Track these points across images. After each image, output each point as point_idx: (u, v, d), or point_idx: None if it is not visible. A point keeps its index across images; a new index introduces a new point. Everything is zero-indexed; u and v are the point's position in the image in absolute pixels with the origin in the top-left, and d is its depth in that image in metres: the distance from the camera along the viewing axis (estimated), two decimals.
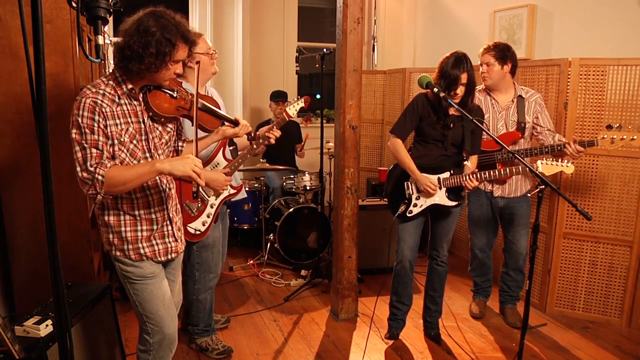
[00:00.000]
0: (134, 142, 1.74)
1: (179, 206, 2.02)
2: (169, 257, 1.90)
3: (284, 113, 2.65)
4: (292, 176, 4.41)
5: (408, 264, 2.80)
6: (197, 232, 2.52)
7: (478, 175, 2.61)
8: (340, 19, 2.98)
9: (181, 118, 1.96)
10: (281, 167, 4.36)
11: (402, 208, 2.71)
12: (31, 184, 2.32)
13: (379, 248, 3.96)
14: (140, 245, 1.81)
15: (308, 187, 4.30)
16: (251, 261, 4.24)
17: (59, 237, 1.14)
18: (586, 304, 3.25)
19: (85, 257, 2.50)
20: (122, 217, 1.78)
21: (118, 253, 1.80)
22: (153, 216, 1.83)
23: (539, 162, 2.60)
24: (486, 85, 3.00)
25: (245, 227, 4.51)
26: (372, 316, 3.23)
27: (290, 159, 4.89)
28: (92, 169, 1.60)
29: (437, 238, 2.85)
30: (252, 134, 2.19)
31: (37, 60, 1.02)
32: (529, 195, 3.08)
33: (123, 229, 1.78)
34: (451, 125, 2.62)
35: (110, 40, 3.36)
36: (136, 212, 1.79)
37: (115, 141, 1.67)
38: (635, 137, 2.63)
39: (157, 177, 1.80)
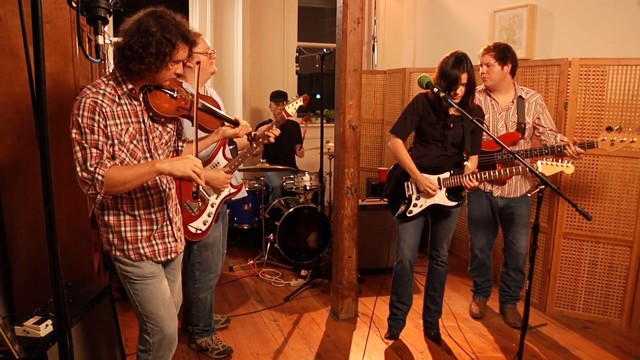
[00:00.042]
0: (134, 142, 1.74)
1: (178, 206, 2.02)
2: (169, 257, 1.90)
3: (283, 112, 2.64)
4: (292, 176, 4.41)
5: (408, 264, 2.80)
6: (199, 232, 2.52)
7: (478, 175, 2.61)
8: (340, 19, 2.98)
9: (181, 118, 1.96)
10: (281, 167, 4.36)
11: (402, 208, 2.71)
12: (31, 184, 2.32)
13: (379, 248, 3.96)
14: (140, 245, 1.81)
15: (308, 187, 4.30)
16: (251, 261, 4.24)
17: (59, 237, 1.14)
18: (586, 304, 3.25)
19: (85, 257, 2.50)
20: (122, 217, 1.78)
21: (118, 253, 1.80)
22: (153, 216, 1.83)
23: (539, 162, 2.60)
24: (486, 85, 2.99)
25: (245, 227, 4.51)
26: (371, 316, 3.23)
27: (290, 158, 4.90)
28: (92, 169, 1.60)
29: (437, 238, 2.85)
30: (252, 134, 2.19)
31: (37, 60, 1.02)
32: (529, 195, 3.08)
33: (123, 229, 1.78)
34: (451, 125, 2.62)
35: (110, 40, 3.36)
36: (136, 212, 1.80)
37: (115, 141, 1.67)
38: (635, 139, 2.63)
39: (157, 177, 1.80)
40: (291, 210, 4.08)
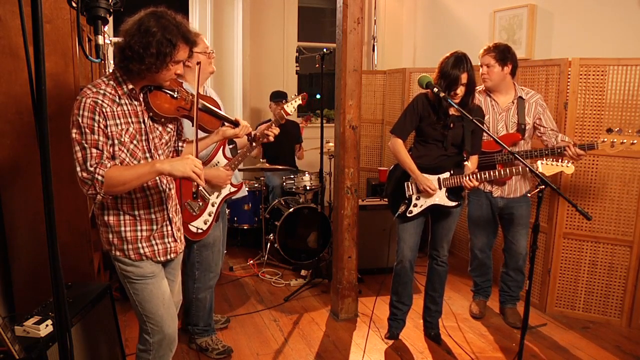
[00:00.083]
0: (134, 142, 1.74)
1: (178, 206, 2.02)
2: (168, 257, 1.90)
3: (281, 110, 2.65)
4: (292, 176, 4.41)
5: (408, 264, 2.80)
6: (200, 231, 2.53)
7: (478, 175, 2.61)
8: (340, 19, 2.98)
9: (181, 118, 1.96)
10: (281, 167, 4.37)
11: (402, 208, 2.71)
12: (31, 184, 2.32)
13: (379, 248, 3.96)
14: (139, 245, 1.81)
15: (308, 187, 4.30)
16: (251, 261, 4.24)
17: (59, 237, 1.14)
18: (586, 304, 3.25)
19: (85, 257, 2.50)
20: (121, 217, 1.78)
21: (118, 253, 1.80)
22: (153, 216, 1.83)
23: (539, 162, 2.60)
24: (486, 86, 2.99)
25: (245, 227, 4.51)
26: (371, 316, 3.23)
27: (289, 159, 4.90)
28: (92, 169, 1.60)
29: (437, 238, 2.85)
30: (252, 135, 2.20)
31: (37, 60, 1.02)
32: (529, 195, 3.08)
33: (123, 228, 1.78)
34: (451, 125, 2.62)
35: (110, 40, 3.36)
36: (136, 212, 1.80)
37: (116, 141, 1.67)
38: (635, 142, 2.63)
39: (157, 178, 1.80)
40: (291, 210, 4.08)
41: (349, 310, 3.25)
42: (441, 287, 2.92)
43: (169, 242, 1.89)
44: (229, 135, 2.09)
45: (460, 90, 2.53)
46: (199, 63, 1.95)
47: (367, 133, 5.12)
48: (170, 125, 1.90)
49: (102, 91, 1.66)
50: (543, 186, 1.98)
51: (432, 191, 2.63)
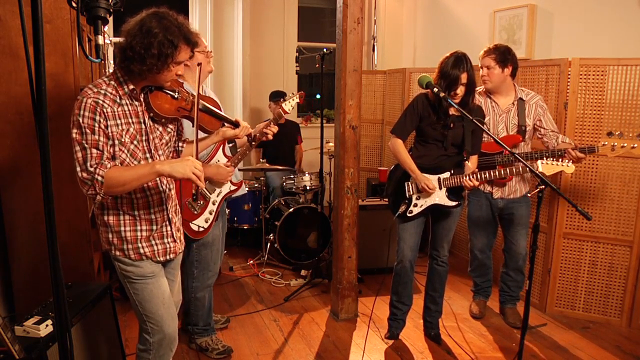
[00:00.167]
0: (135, 142, 1.74)
1: (178, 207, 2.02)
2: (168, 257, 1.90)
3: (279, 109, 2.66)
4: (292, 176, 4.41)
5: (408, 264, 2.80)
6: (201, 229, 2.54)
7: (478, 175, 2.61)
8: (340, 19, 2.98)
9: (181, 118, 1.96)
10: (281, 167, 4.37)
11: (403, 208, 2.71)
12: (31, 184, 2.32)
13: (379, 248, 3.96)
14: (139, 245, 1.81)
15: (308, 187, 4.30)
16: (251, 261, 4.24)
17: (59, 237, 1.14)
18: (586, 304, 3.25)
19: (85, 257, 2.50)
20: (121, 217, 1.78)
21: (118, 253, 1.80)
22: (152, 217, 1.83)
23: (539, 161, 2.59)
24: (487, 88, 2.99)
25: (245, 227, 4.50)
26: (370, 316, 3.23)
27: (289, 159, 4.90)
28: (92, 169, 1.60)
29: (437, 238, 2.85)
30: (252, 136, 2.20)
31: (37, 60, 1.02)
32: (529, 195, 3.08)
33: (122, 228, 1.78)
34: (451, 125, 2.62)
35: (110, 40, 3.36)
36: (136, 212, 1.80)
37: (116, 141, 1.67)
38: (635, 146, 2.63)
39: (157, 178, 1.80)
40: (291, 210, 4.08)
41: (349, 310, 3.25)
42: (441, 287, 2.92)
43: (168, 243, 1.89)
44: (229, 135, 2.09)
45: (460, 90, 2.53)
46: (199, 64, 1.95)
47: (367, 133, 5.12)
48: (171, 126, 1.90)
49: (103, 91, 1.65)
50: (543, 186, 1.98)
51: (431, 190, 2.63)
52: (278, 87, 5.08)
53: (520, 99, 2.95)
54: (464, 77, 2.50)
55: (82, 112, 1.60)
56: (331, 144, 4.09)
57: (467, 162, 2.71)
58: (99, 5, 1.34)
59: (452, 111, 2.62)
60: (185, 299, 2.69)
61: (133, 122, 1.72)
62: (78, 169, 1.62)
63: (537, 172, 2.08)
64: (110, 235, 1.79)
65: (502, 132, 2.98)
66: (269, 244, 4.26)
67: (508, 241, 3.14)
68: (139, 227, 1.80)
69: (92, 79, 3.05)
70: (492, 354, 2.84)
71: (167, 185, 1.89)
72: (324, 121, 3.98)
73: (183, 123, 2.03)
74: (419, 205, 2.71)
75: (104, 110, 1.63)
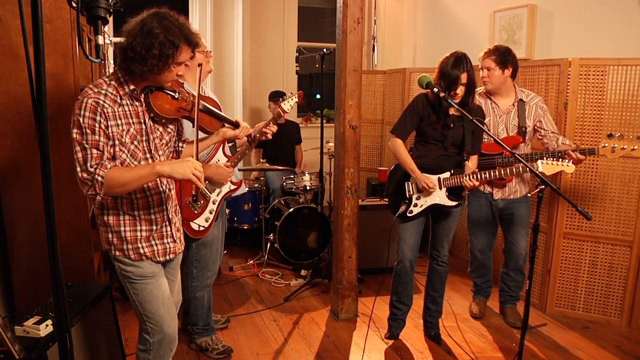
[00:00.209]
0: (135, 142, 1.73)
1: (178, 207, 2.02)
2: (167, 257, 1.90)
3: (278, 108, 2.66)
4: (292, 176, 4.41)
5: (408, 264, 2.80)
6: (201, 228, 2.54)
7: (478, 175, 2.61)
8: (340, 19, 2.98)
9: (181, 119, 1.96)
10: (281, 167, 4.37)
11: (403, 208, 2.71)
12: (31, 184, 2.32)
13: (379, 248, 3.96)
14: (139, 245, 1.81)
15: (308, 187, 4.30)
16: (251, 261, 4.24)
17: (59, 237, 1.14)
18: (586, 304, 3.25)
19: (85, 257, 2.50)
20: (121, 217, 1.78)
21: (117, 253, 1.80)
22: (152, 217, 1.83)
23: (539, 161, 2.59)
24: (487, 89, 2.98)
25: (245, 227, 4.50)
26: (370, 316, 3.23)
27: (289, 159, 4.90)
28: (92, 169, 1.60)
29: (437, 238, 2.85)
30: (252, 136, 2.20)
31: (37, 60, 1.02)
32: (529, 195, 3.08)
33: (122, 228, 1.78)
34: (451, 125, 2.62)
35: (110, 41, 3.36)
36: (135, 213, 1.80)
37: (116, 142, 1.67)
38: (636, 147, 2.62)
39: (157, 179, 1.80)
40: (291, 210, 4.08)
41: (349, 310, 3.25)
42: (441, 287, 2.92)
43: (168, 243, 1.89)
44: (229, 136, 2.09)
45: (460, 90, 2.53)
46: (200, 65, 1.95)
47: (367, 133, 5.12)
48: (171, 126, 1.90)
49: (103, 91, 1.65)
50: (543, 186, 1.98)
51: (431, 188, 2.63)
52: (278, 87, 5.08)
53: (521, 100, 2.95)
54: (464, 77, 2.50)
55: (82, 112, 1.60)
56: (331, 144, 4.09)
57: (467, 162, 2.71)
58: (99, 5, 1.34)
59: (452, 111, 2.62)
60: (185, 298, 2.69)
61: (133, 123, 1.72)
62: (78, 169, 1.62)
63: (537, 172, 2.08)
64: (110, 235, 1.79)
65: (502, 133, 2.98)
66: (269, 244, 4.26)
67: (508, 241, 3.14)
68: (138, 227, 1.80)
69: (92, 79, 3.05)
70: (492, 354, 2.84)
71: (167, 186, 1.89)
72: (324, 121, 3.98)
73: (183, 123, 2.03)
74: (419, 205, 2.71)
75: (105, 110, 1.63)
